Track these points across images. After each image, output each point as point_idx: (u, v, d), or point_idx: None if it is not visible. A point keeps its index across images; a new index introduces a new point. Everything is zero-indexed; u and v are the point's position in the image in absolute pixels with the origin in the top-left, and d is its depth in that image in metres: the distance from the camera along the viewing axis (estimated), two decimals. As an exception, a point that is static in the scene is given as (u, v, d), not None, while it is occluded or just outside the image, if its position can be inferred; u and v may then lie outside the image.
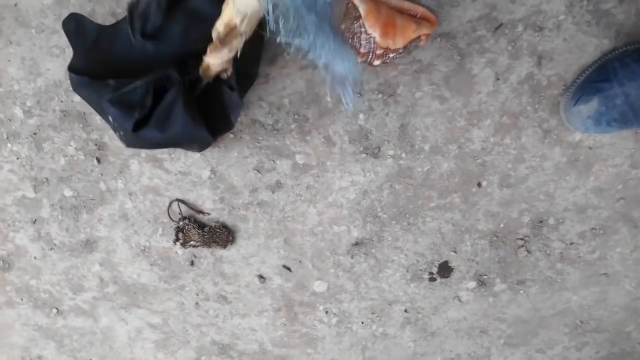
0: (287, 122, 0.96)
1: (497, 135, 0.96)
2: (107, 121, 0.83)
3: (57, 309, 1.22)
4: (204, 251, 1.11)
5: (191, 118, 0.80)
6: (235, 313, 1.18)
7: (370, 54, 0.82)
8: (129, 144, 0.85)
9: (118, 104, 0.78)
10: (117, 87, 0.78)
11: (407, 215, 1.05)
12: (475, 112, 0.95)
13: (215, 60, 0.76)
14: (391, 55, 0.83)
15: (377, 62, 0.83)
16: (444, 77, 0.92)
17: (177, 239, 1.08)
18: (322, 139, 0.97)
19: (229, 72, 0.80)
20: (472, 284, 1.12)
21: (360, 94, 0.93)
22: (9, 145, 1.03)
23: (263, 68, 0.92)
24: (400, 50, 0.83)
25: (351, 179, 1.01)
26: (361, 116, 0.95)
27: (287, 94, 0.94)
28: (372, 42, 0.80)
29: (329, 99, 0.93)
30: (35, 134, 1.01)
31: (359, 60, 0.83)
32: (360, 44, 0.81)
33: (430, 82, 0.92)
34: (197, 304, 1.17)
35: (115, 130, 0.85)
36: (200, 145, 0.89)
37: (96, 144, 1.01)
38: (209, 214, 1.07)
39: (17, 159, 1.04)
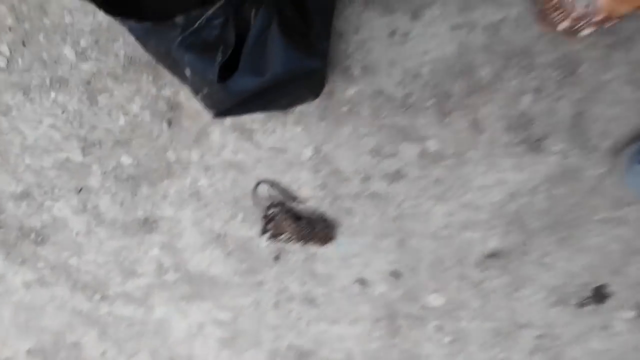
0: (423, 97, 0.78)
1: None
2: (184, 79, 0.66)
3: (101, 293, 1.05)
4: (293, 245, 0.93)
5: (294, 47, 0.62)
6: (323, 318, 1.03)
7: (583, 19, 0.67)
8: (218, 106, 0.69)
9: (192, 46, 0.61)
10: (187, 25, 0.59)
11: (564, 227, 0.86)
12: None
13: None
14: (609, 23, 0.67)
15: (586, 32, 0.69)
16: (646, 56, 0.72)
17: (265, 231, 0.90)
18: (467, 123, 0.80)
19: None
20: (631, 314, 0.93)
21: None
22: (52, 93, 0.87)
23: (402, 22, 0.72)
24: (620, 19, 0.68)
25: (498, 176, 0.83)
26: (525, 98, 0.75)
27: (429, 60, 0.76)
28: (591, 5, 0.65)
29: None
30: (89, 83, 0.83)
31: (563, 25, 0.68)
32: (574, 7, 0.66)
33: (626, 62, 0.72)
34: (276, 303, 1.00)
35: (196, 91, 0.68)
36: (312, 86, 0.70)
37: (168, 103, 0.84)
38: (304, 202, 0.89)
39: (63, 112, 0.86)
